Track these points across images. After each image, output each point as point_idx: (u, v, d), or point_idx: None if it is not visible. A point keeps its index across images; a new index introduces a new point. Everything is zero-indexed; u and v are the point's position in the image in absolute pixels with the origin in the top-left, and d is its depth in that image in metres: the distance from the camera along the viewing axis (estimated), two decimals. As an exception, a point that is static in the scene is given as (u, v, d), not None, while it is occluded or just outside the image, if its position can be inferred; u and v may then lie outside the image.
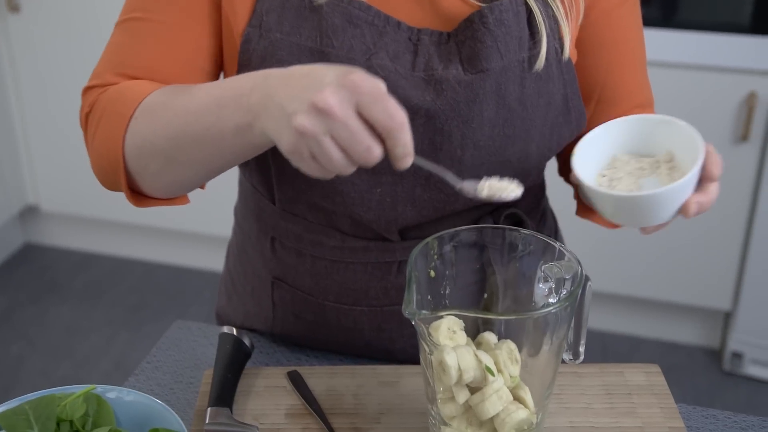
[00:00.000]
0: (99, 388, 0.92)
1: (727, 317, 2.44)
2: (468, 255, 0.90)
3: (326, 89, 0.72)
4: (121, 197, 0.96)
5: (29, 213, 2.93)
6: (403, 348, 1.05)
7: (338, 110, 0.72)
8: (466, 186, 0.83)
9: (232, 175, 1.16)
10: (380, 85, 0.73)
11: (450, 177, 0.83)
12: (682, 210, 0.83)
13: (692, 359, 2.49)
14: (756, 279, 2.27)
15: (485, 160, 0.94)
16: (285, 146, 0.75)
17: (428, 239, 0.87)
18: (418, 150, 0.92)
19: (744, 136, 2.16)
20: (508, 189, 0.83)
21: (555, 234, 1.15)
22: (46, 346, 2.56)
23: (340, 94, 0.72)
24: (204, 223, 2.71)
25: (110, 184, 0.96)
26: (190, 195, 0.98)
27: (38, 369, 2.47)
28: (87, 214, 2.83)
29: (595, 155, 0.86)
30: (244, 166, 1.07)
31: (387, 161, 0.87)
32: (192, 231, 2.76)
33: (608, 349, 2.52)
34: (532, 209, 1.07)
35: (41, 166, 2.80)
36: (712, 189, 0.84)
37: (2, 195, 2.78)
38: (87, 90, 0.96)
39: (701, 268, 2.34)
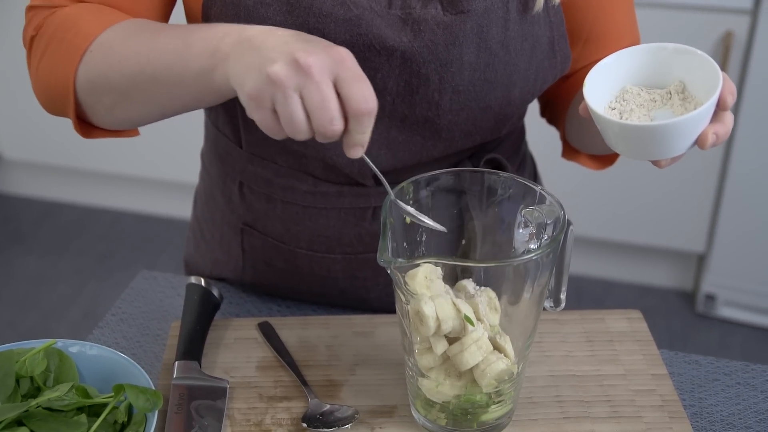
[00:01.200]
0: (60, 343, 0.88)
1: (701, 260, 2.44)
2: (445, 200, 0.86)
3: (311, 50, 0.70)
4: (87, 144, 0.91)
5: (-9, 161, 2.86)
6: (378, 296, 1.02)
7: (317, 71, 0.69)
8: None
9: (199, 118, 1.11)
10: (362, 72, 0.71)
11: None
12: (699, 141, 0.78)
13: (666, 302, 2.49)
14: (730, 221, 2.25)
15: (464, 105, 0.90)
16: (248, 89, 0.71)
17: (403, 183, 0.83)
18: (393, 93, 0.88)
19: (721, 76, 2.13)
20: None
21: (534, 178, 1.12)
22: (12, 297, 2.51)
23: (324, 60, 0.70)
24: (171, 170, 2.65)
25: (54, 111, 0.91)
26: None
27: (5, 320, 2.42)
28: (51, 161, 2.76)
29: (605, 86, 0.82)
30: (209, 108, 1.02)
31: None
32: (159, 178, 2.70)
33: (582, 293, 2.51)
34: (512, 154, 1.04)
35: (3, 112, 2.71)
36: (728, 119, 0.79)
37: (-38, 143, 2.70)
38: (31, 9, 0.90)
39: (675, 211, 2.33)
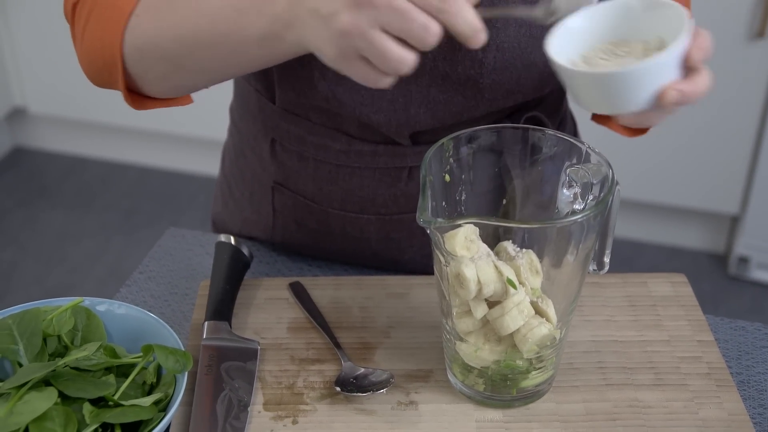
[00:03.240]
0: (87, 301, 0.86)
1: (734, 221, 2.39)
2: (486, 158, 0.82)
3: None
4: (113, 98, 0.87)
5: (17, 115, 2.84)
6: (411, 258, 0.99)
7: None
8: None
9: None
10: None
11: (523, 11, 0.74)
12: (660, 98, 0.73)
13: (697, 264, 2.44)
14: (766, 181, 2.20)
15: (509, 63, 0.86)
16: (331, 54, 0.67)
17: (443, 140, 0.79)
18: (435, 50, 0.84)
19: (760, 32, 2.06)
20: None
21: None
22: (38, 252, 2.50)
23: None
24: (198, 126, 2.62)
25: (102, 83, 0.87)
26: None
27: (31, 275, 2.41)
28: (77, 116, 2.74)
29: (577, 42, 0.76)
30: None
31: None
32: (185, 134, 2.67)
33: (612, 255, 2.47)
34: (553, 112, 0.99)
35: (28, 66, 2.69)
36: (701, 80, 0.72)
37: (-13, 97, 2.68)
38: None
39: (709, 172, 2.27)
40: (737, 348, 0.91)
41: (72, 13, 0.86)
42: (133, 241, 2.55)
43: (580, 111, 1.22)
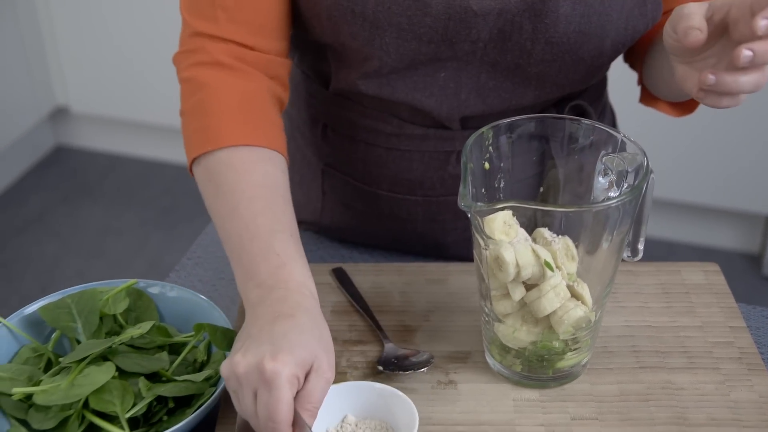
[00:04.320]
0: (141, 283, 0.90)
1: (769, 221, 2.40)
2: (525, 147, 0.85)
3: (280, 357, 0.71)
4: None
5: (59, 114, 2.90)
6: (455, 241, 1.02)
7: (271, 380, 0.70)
8: None
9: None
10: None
11: None
12: (734, 57, 0.70)
13: (730, 264, 2.45)
14: (802, 182, 2.21)
15: (557, 57, 0.89)
16: (227, 369, 0.73)
17: (483, 129, 0.83)
18: (486, 39, 0.87)
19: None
20: None
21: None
22: (80, 247, 2.56)
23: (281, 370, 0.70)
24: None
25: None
26: None
27: (74, 268, 2.47)
28: (118, 115, 2.80)
29: (330, 412, 0.79)
30: (294, 50, 1.02)
31: (448, 45, 0.82)
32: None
33: (644, 253, 2.48)
34: (595, 101, 1.02)
35: (70, 66, 2.75)
36: None
37: (31, 96, 2.74)
38: (196, 35, 0.89)
39: (743, 171, 2.28)
40: (769, 335, 0.93)
41: (180, 81, 0.90)
42: (172, 236, 2.61)
43: (619, 102, 1.25)
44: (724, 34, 0.73)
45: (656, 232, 2.51)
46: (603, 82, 1.04)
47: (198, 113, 0.86)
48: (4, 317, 0.85)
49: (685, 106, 0.99)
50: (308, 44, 0.97)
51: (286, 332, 0.73)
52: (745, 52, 0.69)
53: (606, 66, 0.95)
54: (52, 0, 2.64)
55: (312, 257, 1.04)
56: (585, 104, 0.98)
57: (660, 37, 0.90)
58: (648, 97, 1.00)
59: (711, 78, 0.72)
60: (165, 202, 2.75)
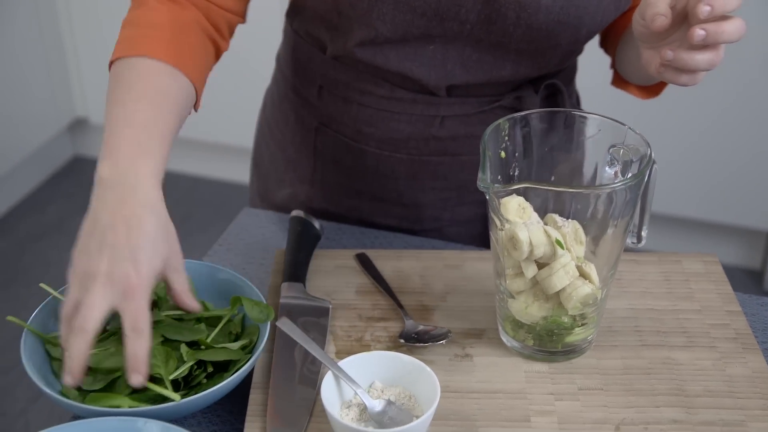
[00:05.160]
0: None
1: (769, 237, 2.45)
2: (537, 138, 0.92)
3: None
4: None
5: (78, 125, 2.98)
6: (432, 201, 1.12)
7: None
8: None
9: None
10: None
11: None
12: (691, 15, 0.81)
13: (733, 280, 2.48)
14: (800, 198, 2.27)
15: (535, 40, 0.99)
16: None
17: (500, 121, 0.90)
18: (473, 22, 0.97)
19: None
20: None
21: None
22: (97, 254, 2.63)
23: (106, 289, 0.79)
24: (250, 137, 2.73)
25: None
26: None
27: (91, 274, 2.54)
28: (134, 126, 2.87)
29: (357, 379, 0.85)
30: (293, 15, 1.11)
31: (439, 21, 0.95)
32: (237, 145, 2.80)
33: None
34: (567, 83, 1.13)
35: (90, 78, 2.83)
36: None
37: (52, 107, 2.82)
38: None
39: (746, 187, 2.34)
40: (763, 321, 1.00)
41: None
42: (185, 246, 2.61)
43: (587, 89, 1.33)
44: (684, 21, 0.84)
45: (660, 247, 2.58)
46: (574, 68, 1.15)
47: (130, 25, 0.96)
48: (24, 319, 0.92)
49: (652, 89, 1.09)
50: (307, 12, 1.06)
51: (140, 243, 0.81)
52: (698, 32, 0.79)
53: (579, 50, 1.07)
54: (74, 13, 2.73)
55: (335, 245, 1.11)
56: (559, 83, 1.08)
57: (630, 27, 0.99)
58: (619, 80, 1.11)
59: (669, 54, 0.82)
60: (179, 212, 2.82)
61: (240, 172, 2.92)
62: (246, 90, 2.27)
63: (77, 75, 2.84)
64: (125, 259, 0.80)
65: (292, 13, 1.12)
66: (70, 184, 2.93)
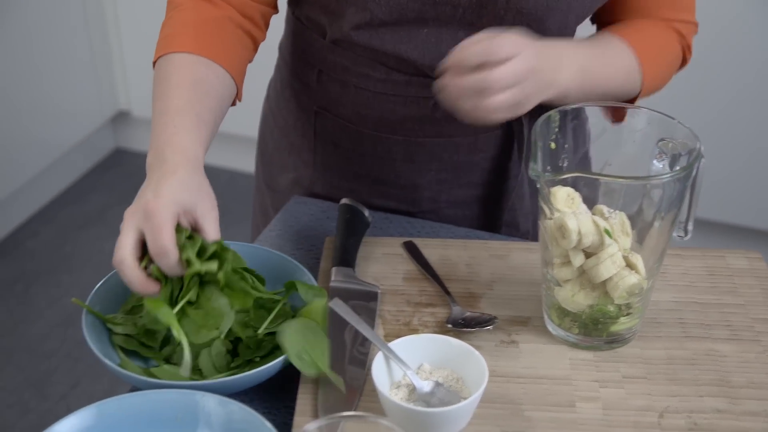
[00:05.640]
0: (233, 245, 0.99)
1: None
2: (587, 130, 0.94)
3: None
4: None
5: (121, 118, 3.03)
6: (429, 182, 1.14)
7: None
8: None
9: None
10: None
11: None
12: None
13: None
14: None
15: (525, 25, 1.01)
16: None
17: (551, 112, 0.92)
18: (465, 5, 1.01)
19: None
20: None
21: None
22: (137, 244, 2.67)
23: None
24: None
25: None
26: None
27: (131, 264, 2.58)
28: (176, 120, 2.91)
29: (407, 361, 0.87)
30: (295, 2, 1.15)
31: (432, 5, 1.00)
32: (243, 134, 2.82)
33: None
34: None
35: (133, 72, 2.88)
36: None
37: (96, 100, 2.88)
38: None
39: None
40: (806, 317, 1.01)
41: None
42: (226, 236, 2.71)
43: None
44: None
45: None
46: None
47: (165, 27, 1.03)
48: (67, 306, 0.95)
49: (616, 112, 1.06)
50: None
51: (169, 183, 0.88)
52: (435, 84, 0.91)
53: (570, 36, 1.10)
54: (119, 9, 2.78)
55: (382, 234, 1.13)
56: None
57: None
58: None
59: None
60: (219, 203, 2.86)
61: (245, 162, 2.94)
62: (249, 82, 2.30)
63: (121, 69, 2.89)
64: (149, 192, 0.87)
65: (294, 1, 1.15)
66: (112, 176, 2.98)
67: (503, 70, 0.89)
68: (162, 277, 0.88)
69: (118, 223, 0.90)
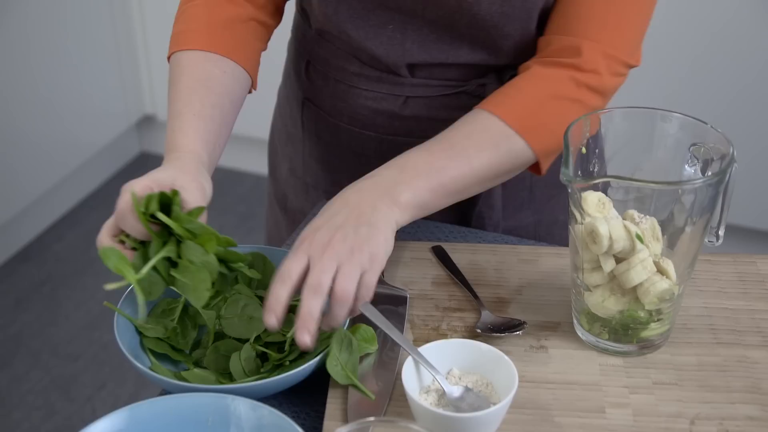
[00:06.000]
0: (265, 251, 1.00)
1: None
2: (617, 135, 0.94)
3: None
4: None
5: (146, 122, 3.05)
6: None
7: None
8: None
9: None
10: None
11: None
12: None
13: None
14: None
15: (483, 30, 1.02)
16: None
17: (581, 117, 0.91)
18: (420, 7, 1.02)
19: None
20: None
21: None
22: (162, 248, 2.69)
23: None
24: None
25: None
26: None
27: (156, 268, 2.60)
28: (201, 125, 2.93)
29: (436, 366, 0.86)
30: None
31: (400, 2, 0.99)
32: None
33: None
34: None
35: (159, 76, 2.90)
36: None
37: (123, 105, 2.90)
38: None
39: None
40: (839, 324, 1.00)
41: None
42: (248, 242, 2.72)
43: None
44: None
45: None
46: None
47: (179, 21, 1.07)
48: (93, 309, 0.96)
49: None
50: None
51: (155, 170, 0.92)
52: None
53: (535, 39, 1.05)
54: (146, 13, 2.80)
55: (410, 237, 1.13)
56: None
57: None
58: None
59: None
60: (241, 210, 2.87)
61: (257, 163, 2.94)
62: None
63: (147, 74, 2.90)
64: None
65: None
66: (137, 180, 2.99)
67: (312, 276, 0.85)
68: (137, 245, 0.89)
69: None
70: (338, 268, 0.85)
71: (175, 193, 0.88)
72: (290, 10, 1.19)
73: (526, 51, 1.06)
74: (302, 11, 1.16)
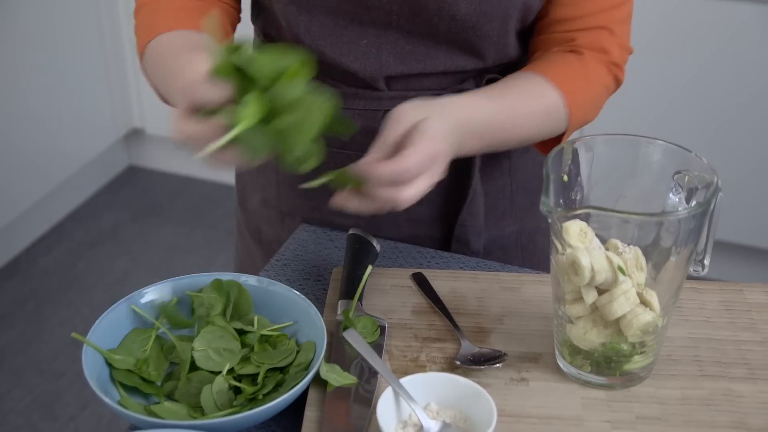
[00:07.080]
0: (242, 278, 0.97)
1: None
2: (600, 163, 0.92)
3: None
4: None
5: (134, 136, 3.03)
6: None
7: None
8: None
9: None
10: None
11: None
12: None
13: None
14: None
15: (462, 32, 1.00)
16: None
17: (563, 144, 0.89)
18: (398, 13, 1.00)
19: None
20: None
21: None
22: (149, 263, 2.66)
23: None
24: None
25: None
26: None
27: (143, 283, 2.55)
28: (189, 138, 2.91)
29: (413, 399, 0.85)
30: (256, 17, 1.14)
31: (365, 9, 0.99)
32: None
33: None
34: None
35: (148, 90, 2.87)
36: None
37: (111, 118, 2.88)
38: None
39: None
40: (827, 355, 0.97)
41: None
42: (237, 257, 2.70)
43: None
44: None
45: (718, 274, 2.53)
46: (524, 63, 1.10)
47: (140, 14, 1.06)
48: (78, 325, 0.94)
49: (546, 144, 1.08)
50: (260, 9, 1.11)
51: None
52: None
53: (514, 43, 1.06)
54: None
55: (390, 264, 1.11)
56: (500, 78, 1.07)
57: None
58: None
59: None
60: (232, 224, 2.85)
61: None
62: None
63: (135, 87, 2.88)
64: None
65: (255, 15, 1.14)
66: (125, 194, 2.97)
67: (413, 160, 0.88)
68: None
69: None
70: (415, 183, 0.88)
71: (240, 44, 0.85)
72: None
73: (504, 52, 1.06)
74: (265, 36, 1.13)
